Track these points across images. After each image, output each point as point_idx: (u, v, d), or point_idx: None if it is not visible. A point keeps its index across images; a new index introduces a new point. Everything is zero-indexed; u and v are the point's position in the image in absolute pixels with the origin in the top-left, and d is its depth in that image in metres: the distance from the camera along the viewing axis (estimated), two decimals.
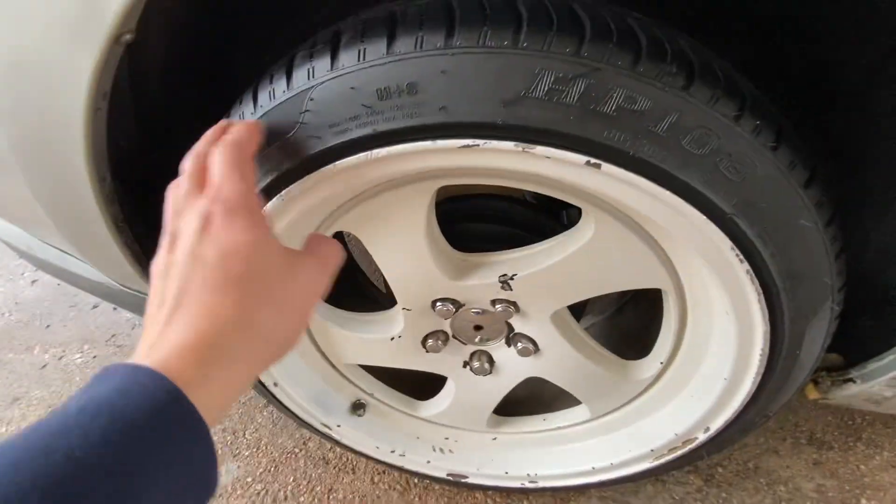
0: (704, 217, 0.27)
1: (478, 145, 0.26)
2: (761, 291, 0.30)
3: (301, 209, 0.33)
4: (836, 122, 0.41)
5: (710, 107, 0.24)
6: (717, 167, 0.26)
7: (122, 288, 0.53)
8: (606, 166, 0.26)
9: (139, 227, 0.43)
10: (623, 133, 0.25)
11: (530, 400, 0.58)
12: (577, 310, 0.50)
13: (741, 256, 0.29)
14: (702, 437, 0.43)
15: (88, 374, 0.80)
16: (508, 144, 0.26)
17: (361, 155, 0.28)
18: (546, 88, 0.24)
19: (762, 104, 0.26)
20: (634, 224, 0.34)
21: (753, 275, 0.29)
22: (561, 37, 0.24)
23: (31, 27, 0.28)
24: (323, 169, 0.29)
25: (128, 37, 0.27)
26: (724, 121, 0.25)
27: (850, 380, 0.41)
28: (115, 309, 0.94)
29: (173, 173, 0.38)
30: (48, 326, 0.90)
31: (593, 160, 0.26)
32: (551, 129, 0.25)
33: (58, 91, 0.30)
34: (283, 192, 0.31)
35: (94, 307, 0.94)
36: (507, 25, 0.24)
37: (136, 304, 0.55)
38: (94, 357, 0.83)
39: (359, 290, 0.62)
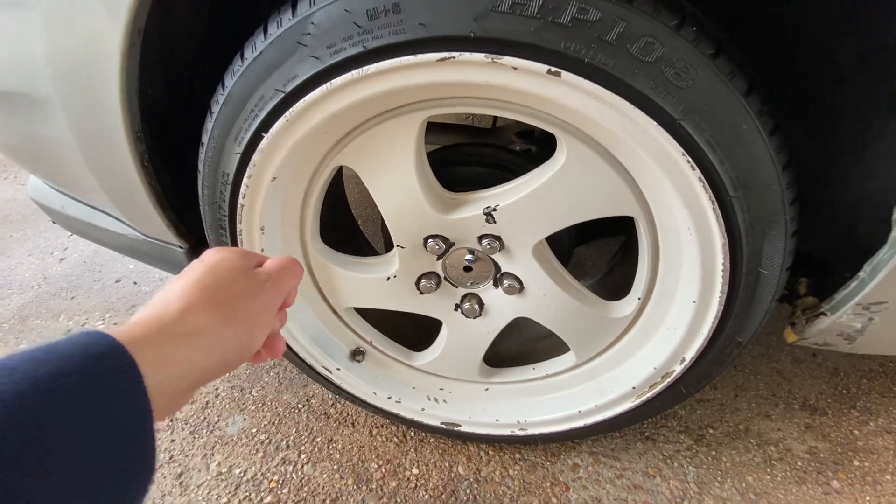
0: (655, 123, 0.30)
1: (453, 57, 0.30)
2: (715, 200, 0.33)
3: (302, 132, 0.37)
4: (804, 74, 0.44)
5: (653, 17, 0.28)
6: (663, 74, 0.29)
7: (144, 238, 0.58)
8: (565, 74, 0.30)
9: (163, 174, 0.48)
10: (578, 43, 0.29)
11: (521, 358, 0.60)
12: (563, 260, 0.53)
13: (693, 164, 0.32)
14: (678, 368, 0.45)
15: None
16: (479, 56, 0.30)
17: (354, 72, 0.32)
18: (510, 3, 0.28)
19: (701, 19, 0.29)
20: (604, 151, 0.37)
21: (706, 182, 0.32)
22: None
23: None
24: (322, 86, 0.33)
25: None
26: (666, 30, 0.28)
27: (822, 313, 0.43)
28: (135, 283, 0.99)
29: (194, 123, 0.43)
30: (73, 297, 0.96)
31: (553, 69, 0.29)
32: (515, 40, 0.29)
33: (99, 25, 0.35)
34: (288, 111, 0.35)
35: (117, 281, 1.00)
36: None
37: (156, 255, 0.60)
38: (115, 324, 0.88)
39: (356, 242, 0.66)
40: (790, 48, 0.42)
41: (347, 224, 0.67)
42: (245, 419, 0.68)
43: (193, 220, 0.51)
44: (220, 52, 0.40)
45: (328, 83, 0.33)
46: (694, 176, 0.32)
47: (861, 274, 0.39)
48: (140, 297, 0.95)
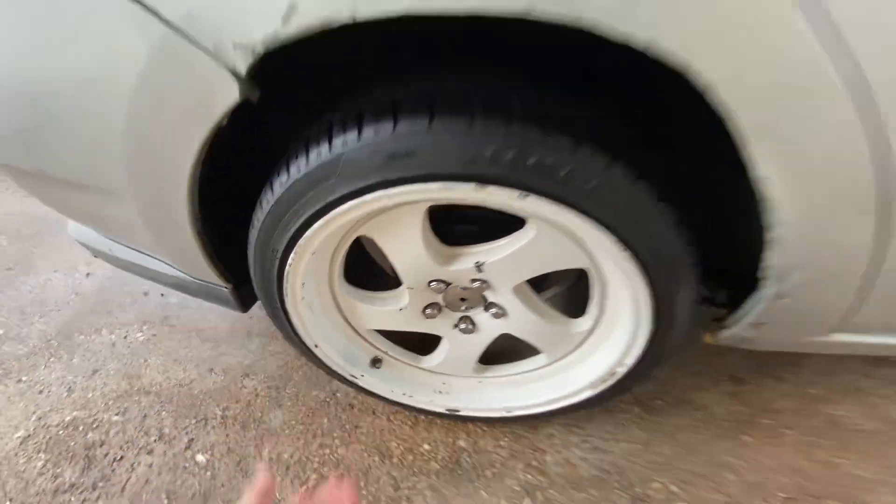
0: (590, 220, 0.43)
1: (450, 187, 0.42)
2: (640, 267, 0.46)
3: (337, 225, 0.49)
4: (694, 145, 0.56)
5: (576, 154, 0.40)
6: (591, 194, 0.42)
7: (192, 279, 0.69)
8: (530, 196, 0.42)
9: (214, 238, 0.60)
10: (538, 178, 0.41)
11: (505, 355, 0.75)
12: (539, 283, 0.66)
13: (620, 244, 0.45)
14: (621, 370, 0.60)
15: (152, 349, 0.98)
16: (469, 185, 0.42)
17: (379, 193, 0.44)
18: (490, 153, 0.40)
19: (631, 152, 0.42)
20: (561, 226, 0.50)
21: (633, 256, 0.46)
22: (491, 125, 0.39)
23: (167, 108, 0.43)
24: (353, 201, 0.45)
25: (224, 121, 0.43)
26: (594, 165, 0.40)
27: (725, 327, 0.58)
28: (162, 295, 1.11)
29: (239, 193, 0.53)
30: (109, 312, 1.08)
31: (522, 193, 0.42)
32: (496, 175, 0.41)
33: (177, 153, 0.46)
34: (326, 215, 0.47)
35: (145, 294, 1.11)
36: (462, 117, 0.40)
37: (203, 292, 0.71)
38: (154, 335, 1.01)
39: (372, 274, 0.79)
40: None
41: (366, 263, 0.79)
42: (284, 413, 0.83)
43: (237, 264, 0.63)
44: (266, 160, 0.51)
45: (359, 199, 0.45)
46: (621, 253, 0.45)
47: (749, 303, 0.54)
48: (170, 307, 1.07)
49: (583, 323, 0.62)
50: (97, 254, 0.83)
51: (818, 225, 0.40)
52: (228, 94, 0.39)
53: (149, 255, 0.73)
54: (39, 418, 0.86)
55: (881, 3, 0.30)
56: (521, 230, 0.53)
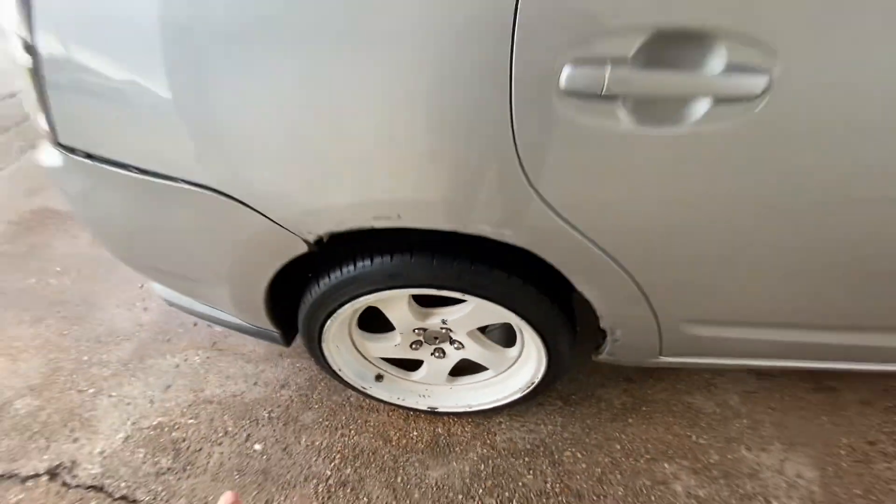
0: (514, 314, 0.78)
1: (421, 290, 0.76)
2: (534, 328, 0.81)
3: (356, 307, 0.82)
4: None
5: (506, 279, 0.74)
6: (500, 294, 0.76)
7: (252, 326, 1.02)
8: (467, 295, 0.76)
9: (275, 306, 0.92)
10: (468, 286, 0.75)
11: (467, 370, 1.10)
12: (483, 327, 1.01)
13: (521, 318, 0.79)
14: (536, 380, 0.96)
15: (208, 369, 1.30)
16: (432, 289, 0.76)
17: (383, 293, 0.77)
18: (443, 274, 0.74)
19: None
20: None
21: (528, 323, 0.80)
22: (443, 261, 0.73)
23: (263, 254, 0.75)
24: (367, 297, 0.78)
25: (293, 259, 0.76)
26: (503, 280, 0.74)
27: (599, 353, 0.94)
28: (209, 325, 1.43)
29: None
30: (168, 340, 1.39)
31: (462, 293, 0.76)
32: (446, 286, 0.75)
33: (266, 270, 0.78)
34: (351, 303, 0.80)
35: (195, 325, 1.43)
36: (427, 256, 0.73)
37: (259, 334, 1.04)
38: (208, 357, 1.33)
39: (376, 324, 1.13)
40: None
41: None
42: (313, 413, 1.17)
43: (283, 318, 0.96)
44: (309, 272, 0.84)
45: (370, 296, 0.78)
46: (521, 321, 0.80)
47: (604, 343, 0.89)
48: (216, 335, 1.39)
49: (512, 351, 0.97)
50: (176, 306, 1.14)
51: (616, 311, 0.75)
52: (300, 249, 0.72)
53: (218, 309, 1.05)
54: (133, 423, 1.19)
55: None
56: (464, 303, 0.87)
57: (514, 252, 0.67)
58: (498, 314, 0.83)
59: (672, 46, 0.47)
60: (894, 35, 0.44)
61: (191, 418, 1.19)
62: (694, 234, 0.61)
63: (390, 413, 1.16)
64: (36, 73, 0.64)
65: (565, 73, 0.48)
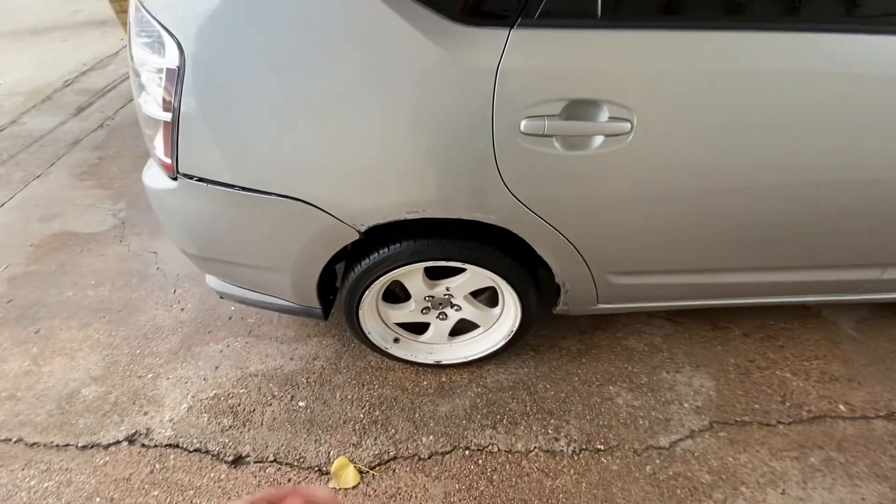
0: (498, 276, 1.14)
1: (435, 262, 1.11)
2: (512, 287, 1.18)
3: (385, 279, 1.16)
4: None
5: (495, 251, 1.11)
6: (491, 263, 1.12)
7: (299, 306, 1.33)
8: (468, 265, 1.12)
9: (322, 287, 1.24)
10: (469, 258, 1.11)
11: (463, 330, 1.45)
12: (475, 293, 1.36)
13: (509, 283, 1.16)
14: (514, 329, 1.32)
15: (249, 350, 1.58)
16: (441, 262, 1.11)
17: (407, 267, 1.12)
18: (450, 249, 1.09)
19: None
20: (480, 272, 1.20)
21: (508, 283, 1.17)
22: (451, 241, 1.09)
23: (324, 245, 1.08)
24: (396, 270, 1.12)
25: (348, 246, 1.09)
26: (498, 256, 1.11)
27: (557, 305, 1.31)
28: (242, 318, 1.71)
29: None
30: (209, 332, 1.66)
31: (464, 263, 1.12)
32: (453, 258, 1.10)
33: (324, 255, 1.10)
34: (384, 276, 1.14)
35: (230, 318, 1.71)
36: (441, 238, 1.09)
37: (304, 312, 1.34)
38: (247, 342, 1.61)
39: (397, 295, 1.46)
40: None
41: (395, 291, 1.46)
42: (342, 376, 1.49)
43: (326, 297, 1.28)
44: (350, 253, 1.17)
45: (399, 269, 1.12)
46: (503, 281, 1.17)
47: (561, 297, 1.27)
48: (250, 325, 1.68)
49: (496, 310, 1.34)
50: (227, 297, 1.43)
51: (564, 268, 1.14)
52: (352, 237, 1.05)
53: (269, 295, 1.36)
54: (193, 396, 1.46)
55: None
56: (463, 273, 1.23)
57: (497, 231, 1.04)
58: (487, 278, 1.20)
59: (580, 107, 0.85)
60: (690, 100, 0.85)
61: (242, 388, 1.47)
62: (606, 215, 1.00)
63: (404, 370, 1.49)
64: (173, 125, 0.95)
65: (523, 123, 0.86)
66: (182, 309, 1.75)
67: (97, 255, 2.01)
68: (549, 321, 1.60)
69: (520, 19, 0.81)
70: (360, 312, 1.27)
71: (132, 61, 0.98)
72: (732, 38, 0.81)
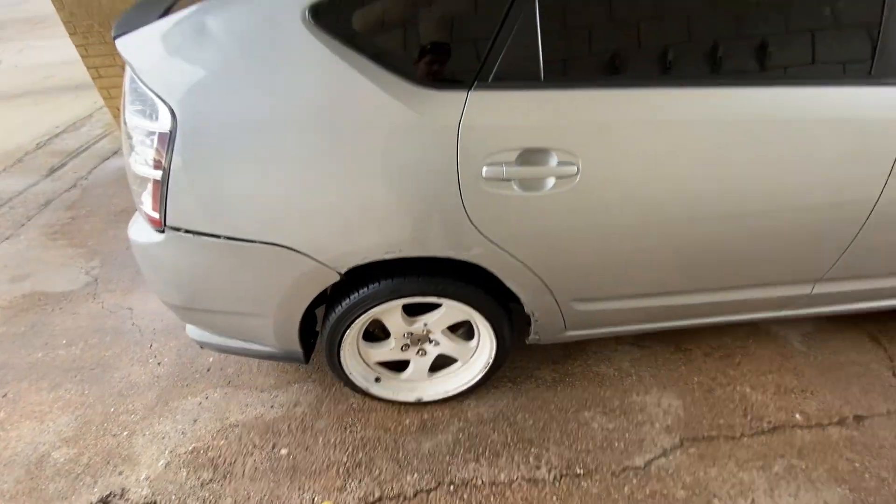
0: (475, 310, 1.22)
1: (413, 298, 1.18)
2: (488, 321, 1.26)
3: (366, 317, 1.22)
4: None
5: (470, 287, 1.19)
6: (467, 298, 1.20)
7: (281, 350, 1.36)
8: (443, 299, 1.20)
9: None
10: (442, 293, 1.19)
11: (442, 366, 1.50)
12: (453, 328, 1.43)
13: (483, 316, 1.24)
14: (490, 361, 1.39)
15: (229, 400, 1.57)
16: (419, 297, 1.19)
17: (386, 304, 1.18)
18: (426, 287, 1.17)
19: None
20: (454, 306, 1.28)
21: (483, 316, 1.25)
22: (423, 278, 1.17)
23: (307, 288, 1.15)
24: (375, 308, 1.19)
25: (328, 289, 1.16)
26: (472, 290, 1.19)
27: (529, 336, 1.39)
28: (221, 369, 1.70)
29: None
30: (187, 385, 1.65)
31: (441, 298, 1.19)
32: (430, 293, 1.18)
33: (307, 297, 1.16)
34: (364, 314, 1.20)
35: (208, 370, 1.70)
36: (416, 277, 1.17)
37: (286, 357, 1.37)
38: (226, 393, 1.60)
39: (376, 334, 1.51)
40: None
41: (374, 331, 1.51)
42: (324, 420, 1.49)
43: (306, 340, 1.32)
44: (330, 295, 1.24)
45: (378, 307, 1.19)
46: (478, 314, 1.24)
47: (531, 327, 1.35)
48: (229, 376, 1.67)
49: (473, 343, 1.40)
50: (207, 346, 1.45)
51: (531, 298, 1.23)
52: (333, 279, 1.12)
53: (248, 342, 1.38)
54: (171, 451, 1.43)
55: None
56: (440, 308, 1.30)
57: (469, 267, 1.13)
58: (462, 311, 1.28)
59: (532, 154, 0.98)
60: (624, 145, 0.99)
61: (221, 440, 1.46)
62: (564, 247, 1.11)
63: (386, 410, 1.52)
64: (163, 182, 1.02)
65: (484, 170, 0.98)
66: (159, 363, 1.73)
67: (70, 313, 1.99)
68: (524, 353, 1.67)
69: (476, 83, 0.95)
70: (342, 353, 1.32)
71: (125, 125, 1.06)
72: (652, 93, 0.97)
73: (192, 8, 0.95)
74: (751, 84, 0.98)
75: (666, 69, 0.98)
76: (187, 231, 1.08)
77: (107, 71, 3.47)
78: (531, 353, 1.68)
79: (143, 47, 0.97)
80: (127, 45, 0.98)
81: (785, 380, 1.56)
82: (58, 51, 5.93)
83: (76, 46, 3.41)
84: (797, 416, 1.45)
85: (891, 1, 0.96)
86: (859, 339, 1.71)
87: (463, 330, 1.45)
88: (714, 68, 0.98)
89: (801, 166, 1.04)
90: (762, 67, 0.98)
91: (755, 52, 0.98)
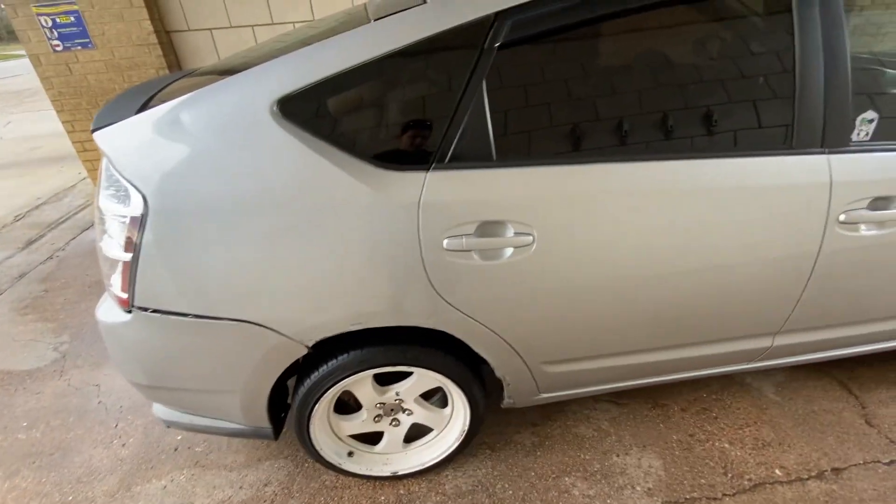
0: (440, 375, 1.22)
1: (381, 368, 1.19)
2: (459, 388, 1.26)
3: (336, 389, 1.21)
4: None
5: (441, 356, 1.20)
6: (437, 365, 1.21)
7: (250, 427, 1.32)
8: (414, 367, 1.20)
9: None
10: (412, 362, 1.19)
11: (417, 436, 1.47)
12: (427, 396, 1.42)
13: (455, 382, 1.24)
14: (466, 428, 1.37)
15: (195, 483, 1.50)
16: (388, 366, 1.19)
17: (358, 375, 1.18)
18: (394, 357, 1.18)
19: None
20: (426, 374, 1.28)
21: (455, 384, 1.25)
22: (392, 347, 1.18)
23: (274, 362, 1.15)
24: (345, 381, 1.19)
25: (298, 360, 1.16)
26: (439, 357, 1.20)
27: (503, 400, 1.39)
28: (188, 448, 1.63)
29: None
30: (152, 467, 1.57)
31: (412, 367, 1.20)
32: (400, 363, 1.19)
33: (275, 371, 1.16)
34: (334, 387, 1.19)
35: (175, 449, 1.63)
36: (382, 346, 1.18)
37: (254, 434, 1.34)
38: (193, 474, 1.53)
39: (347, 405, 1.48)
40: None
41: (345, 402, 1.49)
42: (296, 500, 1.43)
43: (275, 416, 1.29)
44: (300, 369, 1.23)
45: (348, 379, 1.19)
46: (450, 381, 1.25)
47: (505, 391, 1.35)
48: (197, 455, 1.60)
49: (447, 410, 1.39)
50: (174, 425, 1.40)
51: (501, 363, 1.24)
52: (301, 353, 1.13)
53: (218, 419, 1.35)
54: None
55: None
56: (411, 376, 1.30)
57: (437, 334, 1.15)
58: (432, 379, 1.28)
59: (490, 226, 1.04)
60: (574, 215, 1.06)
61: None
62: (527, 311, 1.15)
63: (360, 486, 1.46)
64: (133, 263, 1.05)
65: (445, 242, 1.03)
66: (123, 445, 1.66)
67: (33, 393, 1.91)
68: (501, 417, 1.65)
69: (434, 164, 1.02)
70: (312, 427, 1.29)
71: (98, 210, 1.10)
72: (597, 167, 1.05)
73: (169, 104, 1.02)
74: (689, 157, 1.08)
75: (610, 145, 1.07)
76: (155, 311, 1.08)
77: (92, 145, 3.57)
78: (510, 417, 1.66)
79: (119, 139, 1.03)
80: (104, 137, 1.04)
81: (762, 433, 1.56)
82: (45, 123, 6.09)
83: (63, 122, 3.53)
84: (777, 471, 1.44)
85: (800, 79, 1.08)
86: (830, 386, 1.73)
87: (437, 397, 1.44)
88: (652, 143, 1.08)
89: (741, 228, 1.12)
90: (695, 142, 1.08)
91: (689, 127, 1.08)
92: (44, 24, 3.14)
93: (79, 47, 3.24)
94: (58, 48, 3.22)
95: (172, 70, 3.43)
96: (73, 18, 3.14)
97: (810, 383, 1.74)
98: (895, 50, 1.28)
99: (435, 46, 1.00)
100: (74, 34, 3.19)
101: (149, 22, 3.19)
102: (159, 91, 1.19)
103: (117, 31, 3.21)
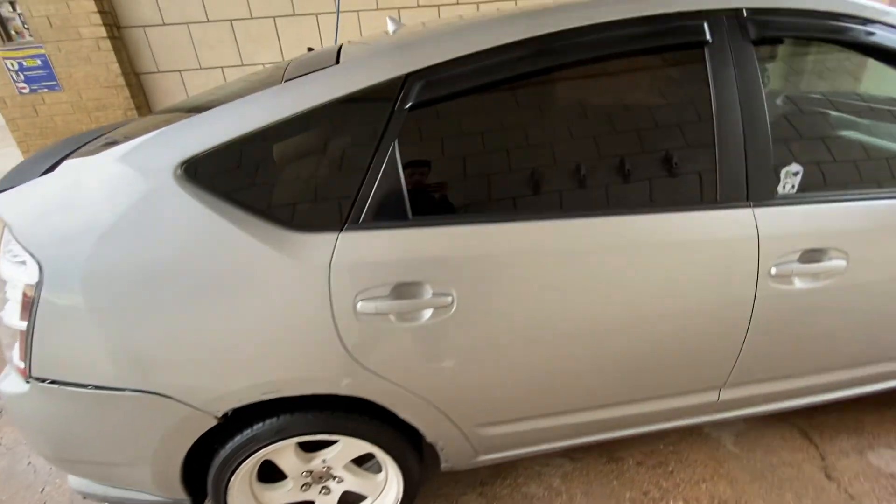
0: (369, 443, 1.16)
1: (302, 437, 1.12)
2: (391, 455, 1.19)
3: (256, 458, 1.14)
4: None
5: (375, 424, 1.14)
6: (366, 434, 1.15)
7: (165, 499, 1.23)
8: (339, 436, 1.13)
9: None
10: (342, 430, 1.13)
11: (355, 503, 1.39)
12: (361, 460, 1.34)
13: (383, 450, 1.17)
14: (400, 496, 1.29)
15: None
16: (315, 435, 1.12)
17: (277, 444, 1.11)
18: (318, 425, 1.12)
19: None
20: (353, 443, 1.21)
21: (389, 455, 1.18)
22: (320, 414, 1.12)
23: (184, 434, 1.07)
24: (265, 449, 1.11)
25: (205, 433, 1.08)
26: (373, 427, 1.14)
27: (441, 462, 1.32)
28: None
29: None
30: None
31: (337, 435, 1.13)
32: (324, 430, 1.12)
33: (184, 444, 1.08)
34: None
35: None
36: (309, 413, 1.11)
37: None
38: None
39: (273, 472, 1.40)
40: None
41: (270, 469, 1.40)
42: None
43: (193, 486, 1.21)
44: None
45: (267, 448, 1.11)
46: (391, 460, 1.18)
47: (443, 461, 1.28)
48: None
49: (380, 476, 1.31)
50: (90, 497, 1.30)
51: (431, 428, 1.18)
52: (211, 424, 1.06)
53: (133, 490, 1.26)
54: None
55: None
56: (337, 444, 1.23)
57: (360, 400, 1.09)
58: (360, 446, 1.20)
59: (406, 288, 1.00)
60: (492, 275, 1.02)
61: None
62: (450, 374, 1.09)
63: None
64: (28, 332, 0.99)
65: (358, 305, 0.99)
66: None
67: None
68: (449, 477, 1.57)
69: (347, 224, 0.99)
70: (231, 500, 1.20)
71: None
72: (516, 226, 1.03)
73: (70, 163, 0.99)
74: (611, 213, 1.06)
75: (528, 203, 1.04)
76: (53, 381, 1.02)
77: None
78: (457, 477, 1.58)
79: (18, 204, 0.99)
80: (3, 201, 1.00)
81: (719, 489, 1.49)
82: (10, 159, 6.03)
83: None
84: None
85: (719, 134, 1.08)
86: (790, 435, 1.68)
87: (373, 461, 1.36)
88: (571, 200, 1.06)
89: (670, 283, 1.09)
90: (617, 198, 1.07)
91: (609, 182, 1.07)
92: (10, 67, 3.15)
93: (45, 89, 3.24)
94: (24, 90, 3.22)
95: (141, 111, 3.44)
96: (39, 62, 3.15)
97: (770, 432, 1.69)
98: (835, 90, 1.27)
99: (345, 108, 0.99)
100: (41, 77, 3.20)
101: (117, 65, 3.22)
102: (72, 152, 1.16)
103: (85, 74, 3.23)
